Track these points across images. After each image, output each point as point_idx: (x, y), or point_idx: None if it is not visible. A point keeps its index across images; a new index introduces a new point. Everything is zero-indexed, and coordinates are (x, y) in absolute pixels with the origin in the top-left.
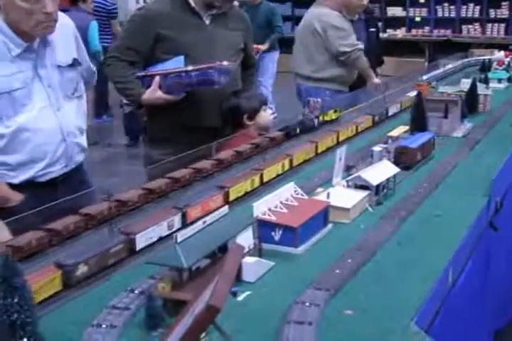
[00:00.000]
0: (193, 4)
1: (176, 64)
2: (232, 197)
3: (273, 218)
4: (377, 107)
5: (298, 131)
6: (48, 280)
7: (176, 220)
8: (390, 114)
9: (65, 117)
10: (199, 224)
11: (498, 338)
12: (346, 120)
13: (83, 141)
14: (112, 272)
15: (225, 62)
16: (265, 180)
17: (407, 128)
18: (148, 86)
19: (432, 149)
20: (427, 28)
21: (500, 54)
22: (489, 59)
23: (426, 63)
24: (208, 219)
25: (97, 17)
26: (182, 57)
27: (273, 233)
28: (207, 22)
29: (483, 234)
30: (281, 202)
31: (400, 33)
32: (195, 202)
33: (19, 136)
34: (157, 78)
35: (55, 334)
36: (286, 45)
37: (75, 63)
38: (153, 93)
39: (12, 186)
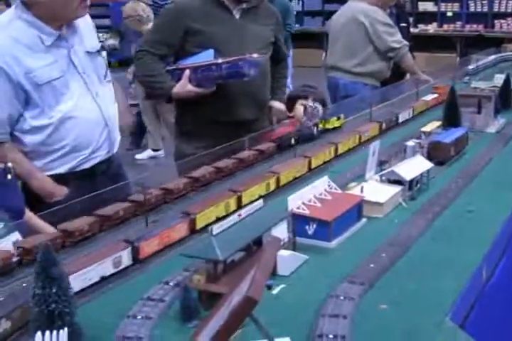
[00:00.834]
0: None
1: (205, 57)
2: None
3: (307, 212)
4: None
5: (293, 141)
6: None
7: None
8: (400, 120)
9: (104, 102)
10: (234, 217)
11: None
12: (350, 128)
13: (118, 125)
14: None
15: (254, 55)
16: (243, 203)
17: (439, 123)
18: (179, 79)
19: (465, 145)
20: (458, 23)
21: None
22: None
23: (457, 58)
24: (243, 212)
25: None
26: (212, 51)
27: (307, 227)
28: (237, 16)
29: None
30: (315, 196)
31: (432, 28)
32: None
33: (63, 125)
34: (187, 71)
35: (92, 325)
36: (313, 39)
37: (100, 49)
38: (184, 86)
39: (55, 176)
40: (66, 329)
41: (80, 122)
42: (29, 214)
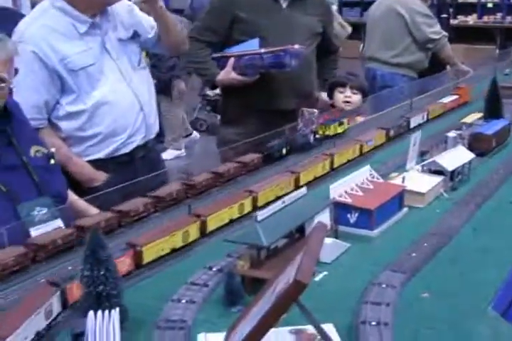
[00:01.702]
0: None
1: (251, 46)
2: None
3: (349, 200)
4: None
5: (284, 151)
6: None
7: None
8: (412, 125)
9: (138, 88)
10: (278, 204)
11: None
12: (355, 134)
13: (156, 110)
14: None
15: (296, 46)
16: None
17: (480, 115)
18: (223, 67)
19: (507, 136)
20: (499, 15)
21: None
22: None
23: (497, 50)
24: (287, 199)
25: None
26: (257, 40)
27: (349, 215)
28: (284, 5)
29: None
30: (357, 185)
31: (471, 19)
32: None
33: (99, 111)
34: (231, 60)
35: (137, 307)
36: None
37: (134, 36)
38: (228, 74)
39: (94, 162)
40: (118, 309)
41: (115, 107)
42: (74, 197)
